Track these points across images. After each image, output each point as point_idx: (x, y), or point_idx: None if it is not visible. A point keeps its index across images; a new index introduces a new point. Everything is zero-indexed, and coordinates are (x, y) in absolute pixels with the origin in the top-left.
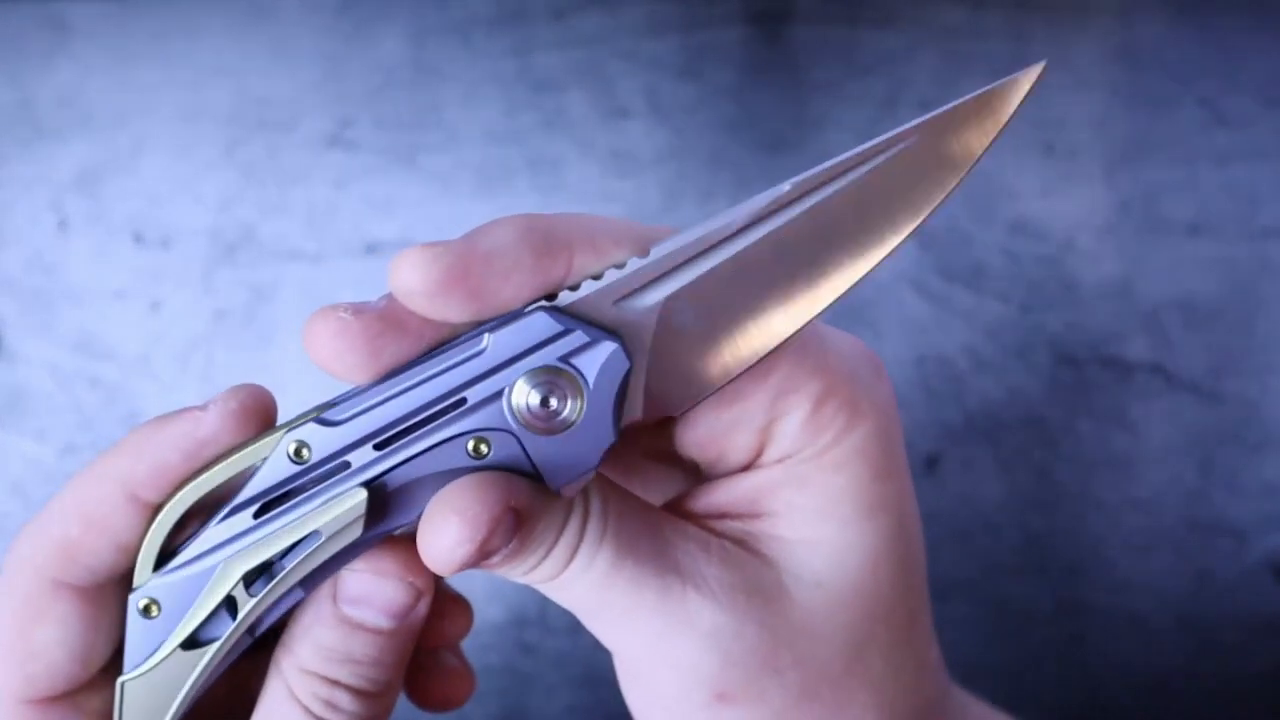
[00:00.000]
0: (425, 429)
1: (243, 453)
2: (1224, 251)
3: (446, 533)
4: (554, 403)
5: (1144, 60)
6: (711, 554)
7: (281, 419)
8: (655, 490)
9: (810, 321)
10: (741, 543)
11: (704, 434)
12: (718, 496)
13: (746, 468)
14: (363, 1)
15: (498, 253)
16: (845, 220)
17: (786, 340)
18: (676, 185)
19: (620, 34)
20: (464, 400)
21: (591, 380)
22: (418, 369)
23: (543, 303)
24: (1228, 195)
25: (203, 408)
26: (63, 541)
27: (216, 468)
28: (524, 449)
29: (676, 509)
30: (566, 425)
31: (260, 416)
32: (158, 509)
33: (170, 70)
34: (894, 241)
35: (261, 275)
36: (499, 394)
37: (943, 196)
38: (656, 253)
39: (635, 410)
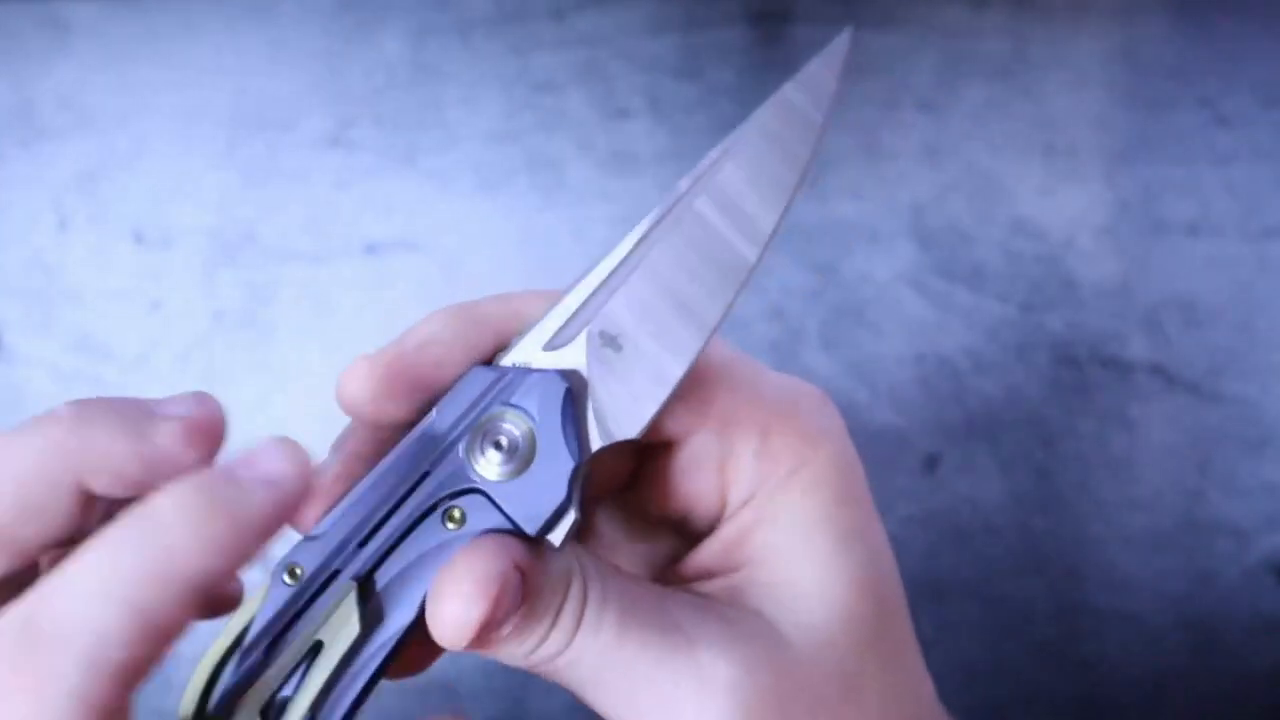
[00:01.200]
0: (398, 514)
1: (251, 598)
2: (1224, 251)
3: (456, 600)
4: (505, 442)
5: (1144, 60)
6: (708, 614)
7: (282, 418)
8: (644, 566)
9: (723, 316)
10: (732, 599)
11: (667, 487)
12: (700, 558)
13: (719, 522)
14: (362, 1)
15: (429, 344)
16: (717, 222)
17: (711, 333)
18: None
19: (620, 34)
20: (426, 474)
21: (535, 411)
22: (382, 463)
23: (478, 364)
24: (1228, 195)
25: (152, 414)
26: None
27: (232, 621)
28: (495, 503)
29: (665, 580)
30: (526, 462)
31: (212, 436)
32: (92, 504)
33: (170, 70)
34: (768, 230)
35: (261, 275)
36: (455, 455)
37: (798, 180)
38: (571, 295)
39: (595, 438)
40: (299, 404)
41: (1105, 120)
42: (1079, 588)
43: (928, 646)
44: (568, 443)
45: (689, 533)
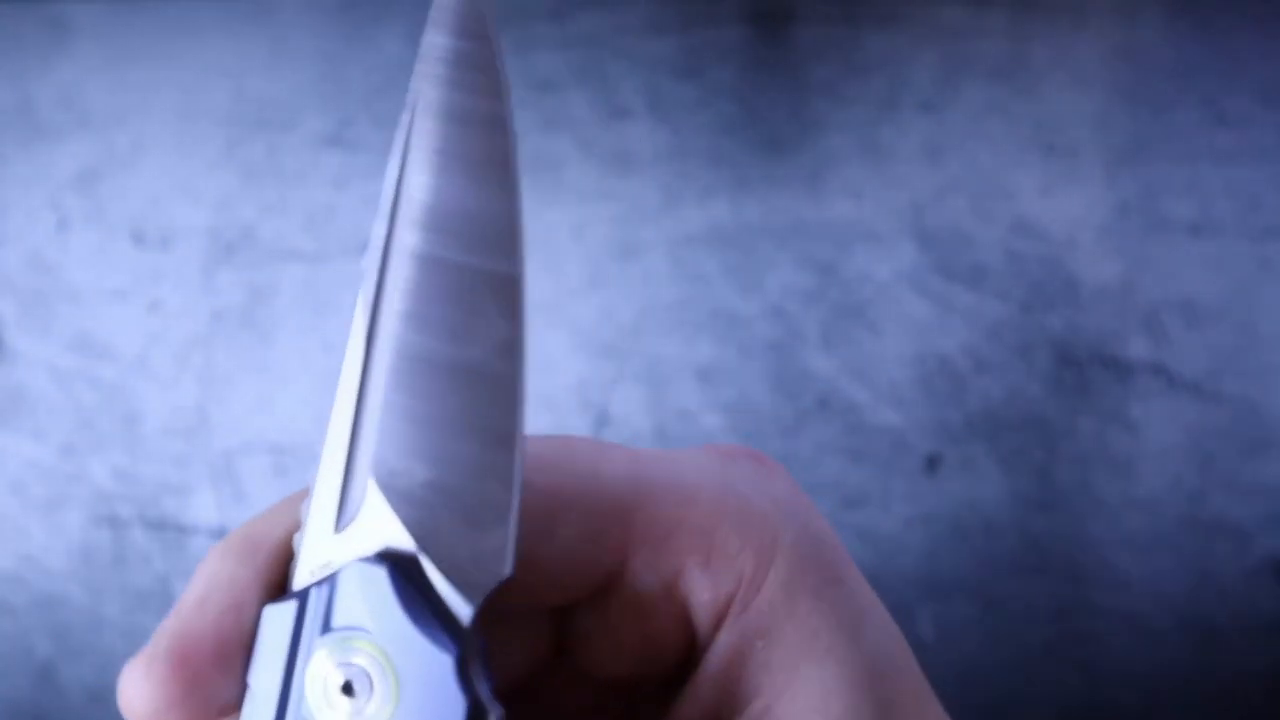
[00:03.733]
0: None
1: None
2: (1225, 251)
3: None
4: (352, 682)
5: (1145, 60)
6: None
7: (281, 418)
8: None
9: (523, 363)
10: None
11: (610, 644)
12: (687, 712)
13: (692, 661)
14: (362, 1)
15: (207, 601)
16: (443, 251)
17: (521, 389)
18: (676, 185)
19: (620, 34)
20: None
21: (365, 620)
22: None
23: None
24: (1229, 195)
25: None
26: None
27: None
28: None
29: None
30: (394, 689)
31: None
32: None
33: (169, 70)
34: (513, 227)
35: (260, 275)
36: None
37: (509, 151)
38: (326, 451)
39: (460, 605)
40: (298, 404)
41: (1106, 120)
42: (1079, 588)
43: (928, 647)
44: (429, 635)
45: (656, 680)
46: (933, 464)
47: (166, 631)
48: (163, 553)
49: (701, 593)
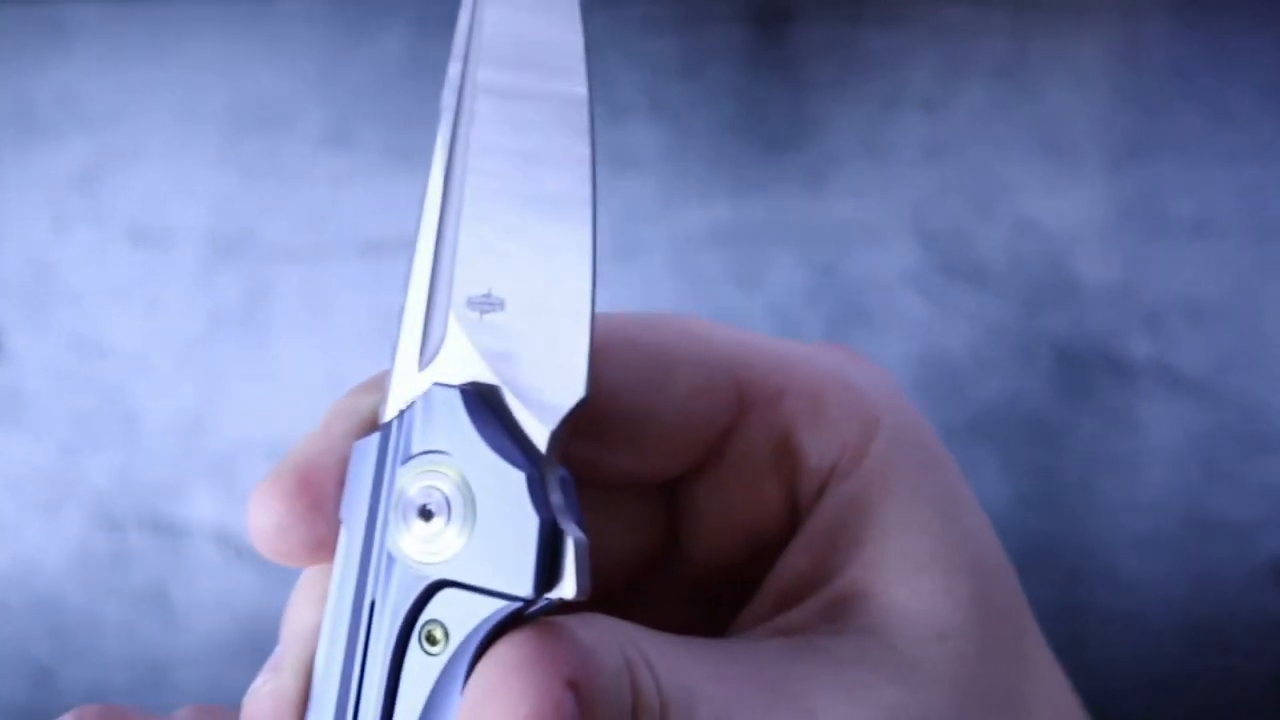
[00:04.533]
0: (369, 679)
1: None
2: (1228, 251)
3: None
4: (430, 505)
5: (1147, 58)
6: (816, 666)
7: (280, 418)
8: (711, 628)
9: (592, 182)
10: (833, 624)
11: (717, 517)
12: (782, 576)
13: (792, 532)
14: (362, 1)
15: (319, 439)
16: (514, 81)
17: (592, 208)
18: (676, 184)
19: (620, 33)
20: (371, 604)
21: (443, 444)
22: (322, 632)
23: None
24: (1232, 194)
25: None
26: None
27: None
28: (467, 585)
29: (741, 625)
30: (470, 511)
31: None
32: None
33: (167, 69)
34: (578, 49)
35: (260, 275)
36: (388, 558)
37: None
38: (412, 288)
39: (536, 426)
40: (297, 404)
41: (1108, 119)
42: (1081, 588)
43: None
44: (504, 454)
45: (757, 570)
46: None
47: (293, 453)
48: (161, 554)
49: (809, 456)
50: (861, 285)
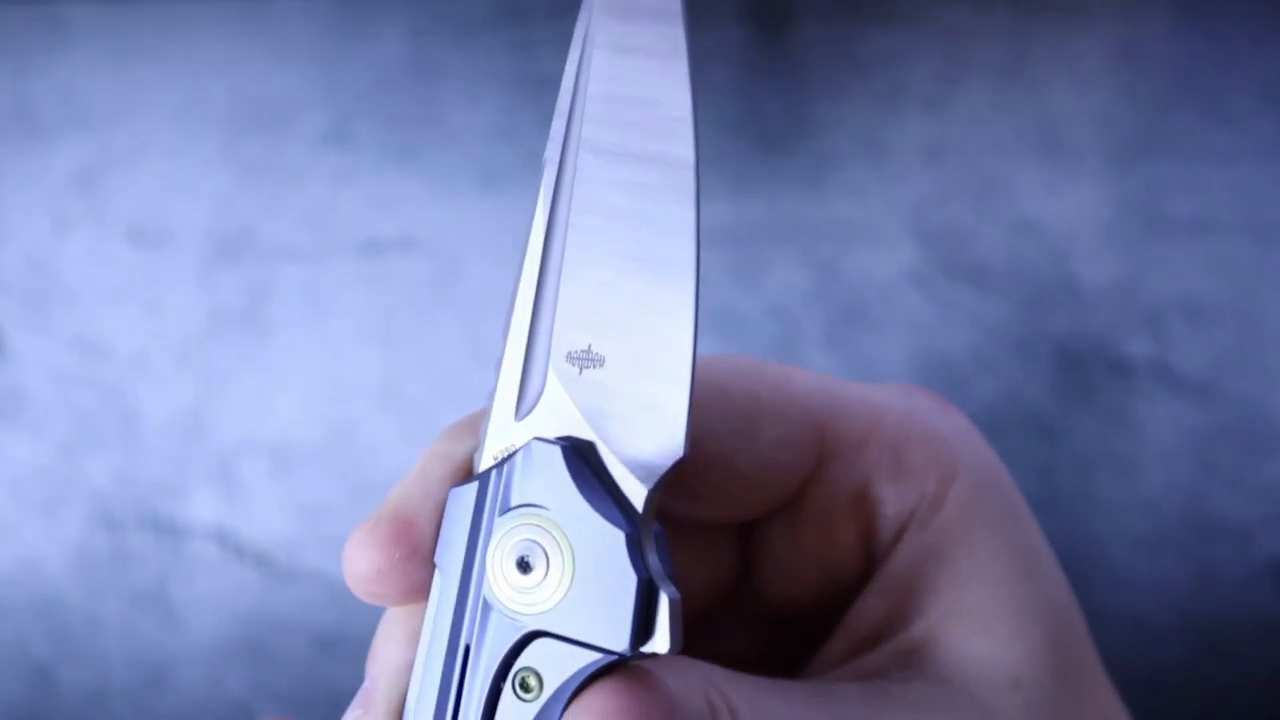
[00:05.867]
0: (459, 718)
1: None
2: (1228, 250)
3: None
4: (529, 558)
5: (1147, 58)
6: (888, 706)
7: (281, 418)
8: (786, 667)
9: (696, 244)
10: (907, 671)
11: (795, 558)
12: (857, 626)
13: (868, 578)
14: (362, 0)
15: (417, 486)
16: (620, 140)
17: (696, 272)
18: None
19: None
20: (468, 649)
21: (542, 498)
22: (415, 667)
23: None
24: (1232, 194)
25: None
26: None
27: None
28: (562, 637)
29: (816, 668)
30: (569, 566)
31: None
32: None
33: (167, 69)
34: (686, 111)
35: (259, 274)
36: (484, 606)
37: (683, 35)
38: (511, 338)
39: (634, 485)
40: (297, 404)
41: (1108, 119)
42: (1081, 588)
43: None
44: (603, 512)
45: (828, 608)
46: None
47: (391, 499)
48: (161, 554)
49: (887, 505)
50: (861, 285)
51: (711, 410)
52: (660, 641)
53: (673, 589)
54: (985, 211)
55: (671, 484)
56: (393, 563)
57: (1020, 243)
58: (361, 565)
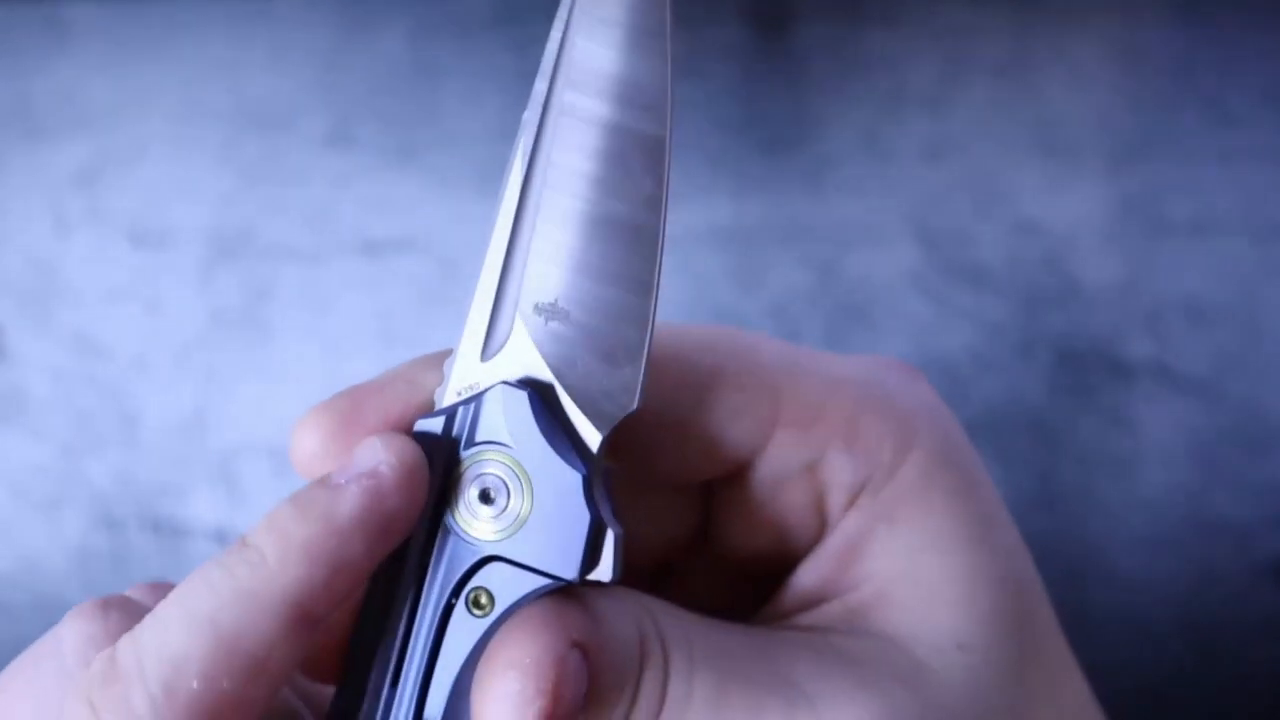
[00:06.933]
0: (418, 631)
1: None
2: (1228, 250)
3: (505, 705)
4: (490, 491)
5: (1147, 59)
6: (825, 656)
7: (281, 418)
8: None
9: (663, 218)
10: (850, 624)
11: (751, 517)
12: (804, 581)
13: (819, 540)
14: (362, 1)
15: (386, 386)
16: (598, 109)
17: (660, 245)
18: (677, 184)
19: None
20: (426, 569)
21: (505, 437)
22: (370, 601)
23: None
24: (1232, 194)
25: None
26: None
27: None
28: (516, 563)
29: (765, 619)
30: (528, 500)
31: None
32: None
33: (168, 69)
34: (662, 91)
35: (260, 275)
36: (446, 530)
37: (665, 18)
38: (481, 281)
39: (590, 431)
40: (298, 404)
41: (1108, 119)
42: (1081, 589)
43: None
44: (561, 455)
45: (786, 565)
46: None
47: (348, 390)
48: (161, 554)
49: (840, 474)
50: (861, 285)
51: (674, 380)
52: (604, 570)
53: (618, 525)
54: (985, 212)
55: (630, 445)
56: (338, 446)
57: (1020, 243)
58: (307, 443)
